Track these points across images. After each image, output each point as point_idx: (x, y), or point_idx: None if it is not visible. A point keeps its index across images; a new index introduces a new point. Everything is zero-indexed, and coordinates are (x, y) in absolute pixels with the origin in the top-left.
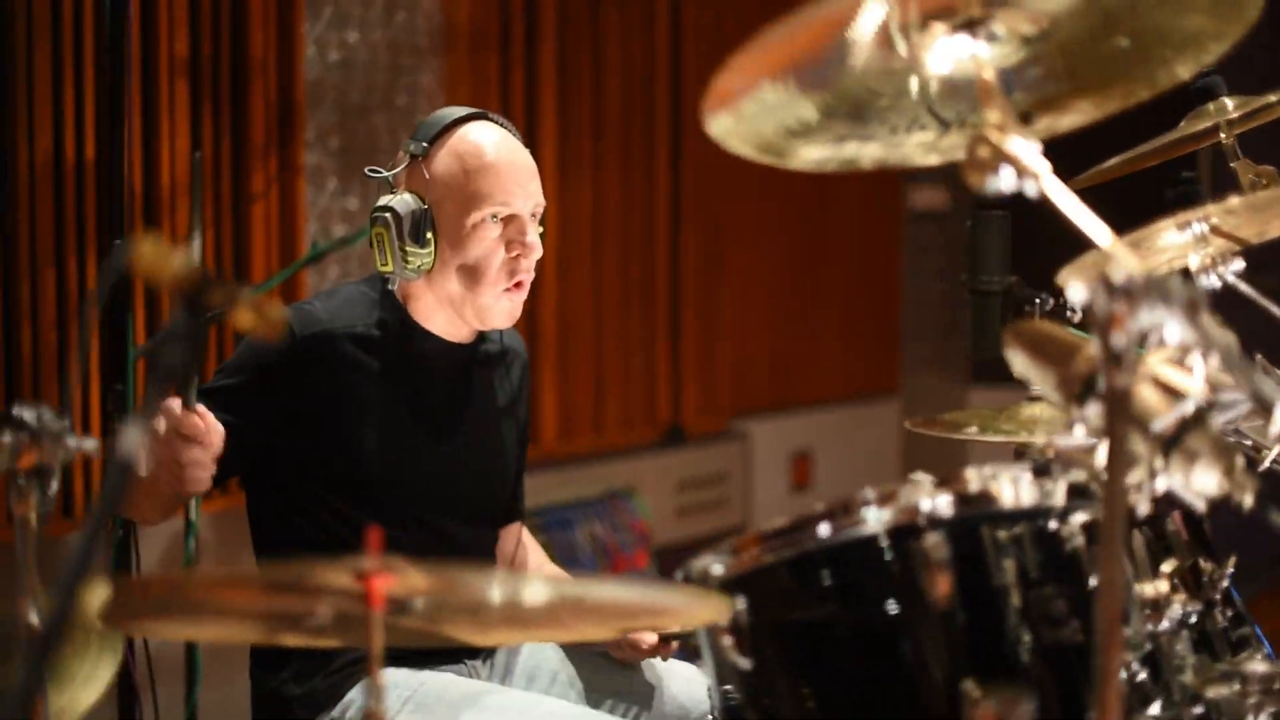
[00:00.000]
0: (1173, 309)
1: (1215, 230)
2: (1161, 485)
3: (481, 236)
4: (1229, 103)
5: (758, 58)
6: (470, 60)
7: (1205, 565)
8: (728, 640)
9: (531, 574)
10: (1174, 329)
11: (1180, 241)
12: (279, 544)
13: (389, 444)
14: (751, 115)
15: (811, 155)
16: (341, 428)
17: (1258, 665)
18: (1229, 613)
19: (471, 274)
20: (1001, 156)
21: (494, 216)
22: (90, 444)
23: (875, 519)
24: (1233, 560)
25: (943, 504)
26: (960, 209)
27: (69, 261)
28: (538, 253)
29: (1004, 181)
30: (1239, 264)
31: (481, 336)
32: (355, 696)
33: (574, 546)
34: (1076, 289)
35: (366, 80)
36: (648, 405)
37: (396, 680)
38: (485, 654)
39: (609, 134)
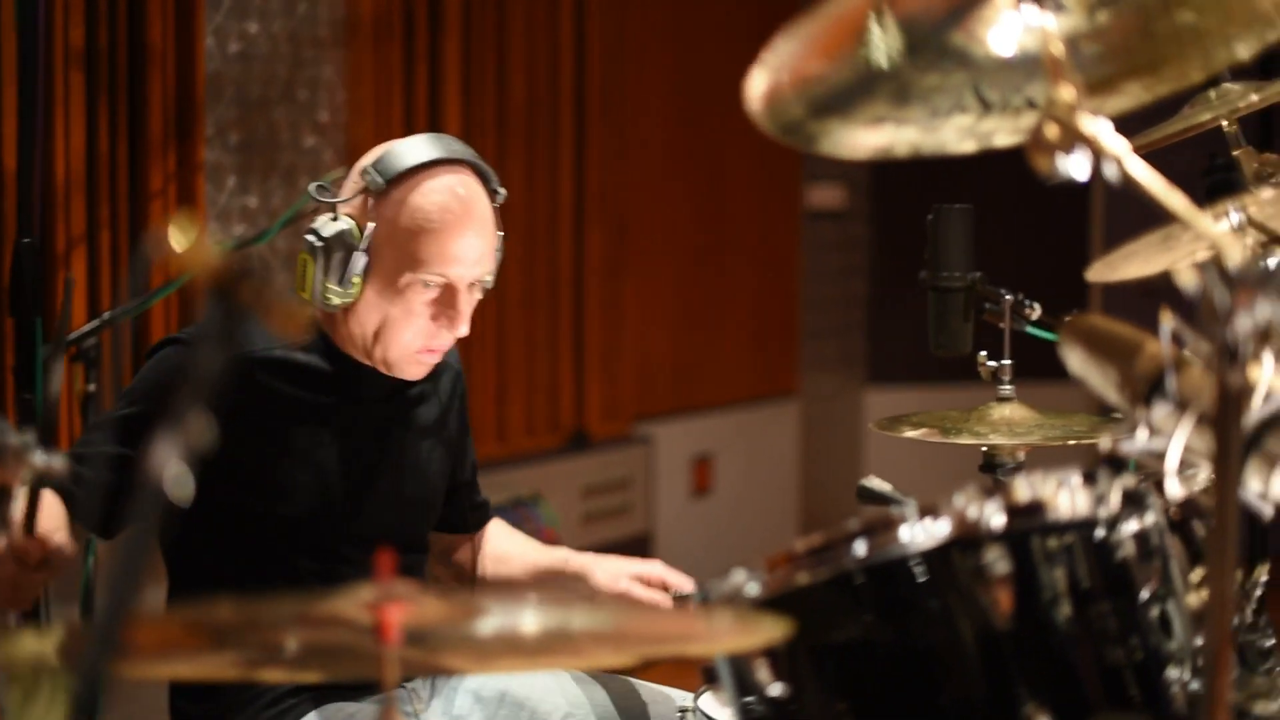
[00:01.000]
0: None
1: (1249, 220)
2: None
3: (411, 297)
4: (1233, 88)
5: (806, 35)
6: (373, 53)
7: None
8: (761, 663)
9: (531, 567)
10: None
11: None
12: (198, 584)
13: (315, 474)
14: (788, 96)
15: (846, 140)
16: (264, 459)
17: None
18: (1259, 622)
19: (389, 327)
20: (1075, 137)
21: (429, 283)
22: (58, 461)
23: (922, 533)
24: (1266, 568)
25: (994, 515)
26: (857, 208)
27: None
28: (463, 330)
29: (1075, 165)
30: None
31: None
32: None
33: None
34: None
35: (267, 73)
36: (551, 410)
37: None
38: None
39: (513, 132)
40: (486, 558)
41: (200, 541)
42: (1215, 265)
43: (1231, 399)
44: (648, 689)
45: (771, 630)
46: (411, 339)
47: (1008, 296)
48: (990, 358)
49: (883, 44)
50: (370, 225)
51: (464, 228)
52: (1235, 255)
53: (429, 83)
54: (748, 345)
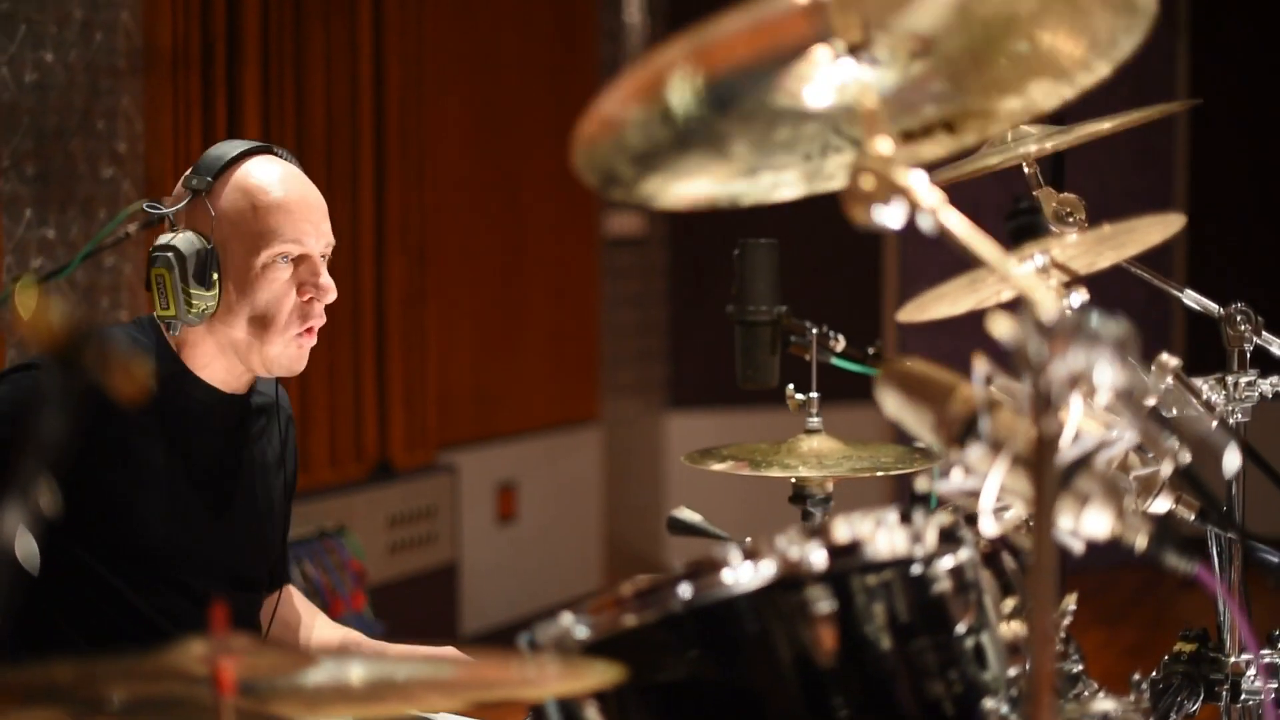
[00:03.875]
0: (1103, 349)
1: (1054, 263)
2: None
3: (271, 278)
4: (1029, 131)
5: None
6: (171, 82)
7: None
8: (591, 707)
9: (324, 645)
10: (1104, 370)
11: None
12: (32, 619)
13: (162, 503)
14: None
15: (711, 193)
16: (111, 487)
17: (1105, 704)
18: (1067, 649)
19: (261, 320)
20: (890, 188)
21: (284, 257)
22: None
23: (746, 574)
24: (1074, 597)
25: (815, 555)
26: (655, 235)
27: None
28: (332, 295)
29: (891, 215)
30: (1082, 295)
31: (253, 388)
32: None
33: None
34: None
35: (63, 103)
36: (355, 440)
37: None
38: None
39: (313, 160)
40: (277, 621)
41: (43, 582)
42: (1029, 316)
43: (1047, 442)
44: None
45: (599, 675)
46: (288, 321)
47: (813, 329)
48: (797, 389)
49: (682, 98)
50: (210, 224)
51: (302, 194)
52: (1048, 306)
53: (228, 112)
54: (549, 372)
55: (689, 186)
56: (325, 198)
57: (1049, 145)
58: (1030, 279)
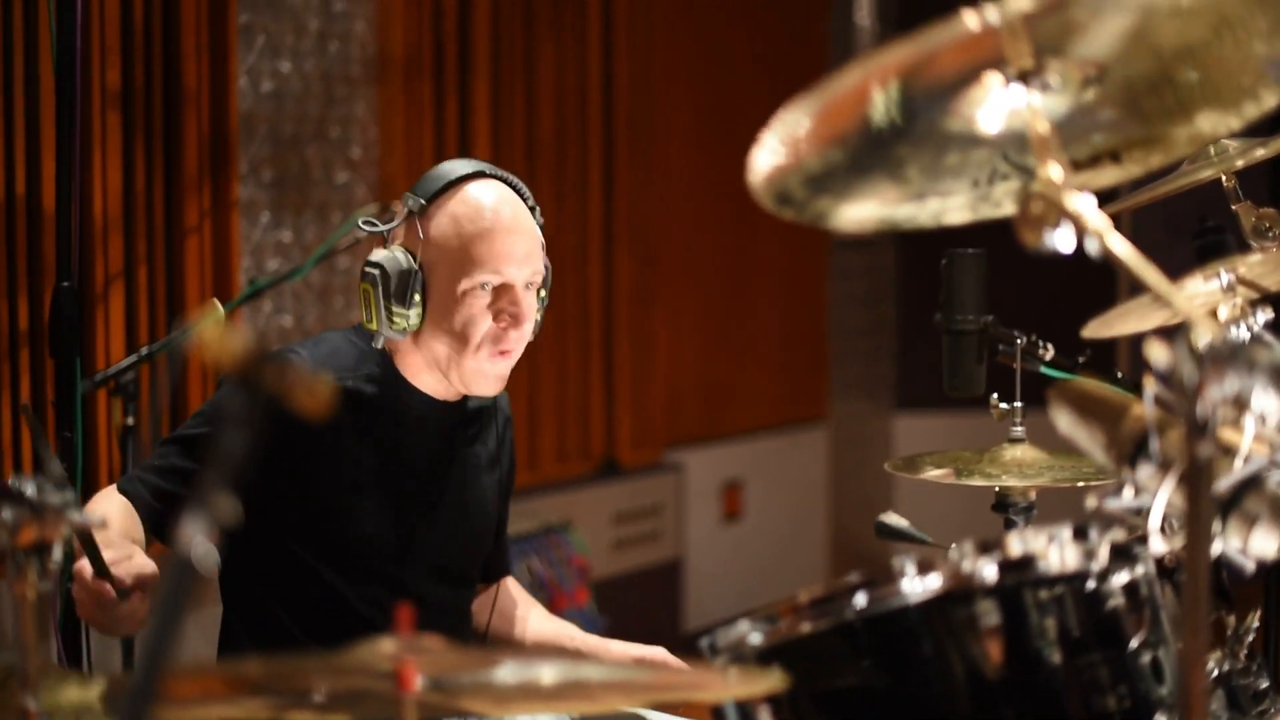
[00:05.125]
0: (1259, 375)
1: (1240, 279)
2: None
3: (470, 303)
4: (1231, 145)
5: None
6: (404, 90)
7: (1228, 619)
8: (764, 711)
9: (540, 638)
10: (1261, 396)
11: (1206, 291)
12: (252, 607)
13: (373, 503)
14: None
15: (880, 215)
16: (325, 486)
17: None
18: (1252, 666)
19: (457, 339)
20: (1059, 213)
21: (485, 285)
22: (96, 518)
23: (918, 587)
24: (1258, 614)
25: (986, 569)
26: (884, 237)
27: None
28: (528, 324)
29: (1062, 239)
30: (1268, 314)
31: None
32: None
33: None
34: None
35: (299, 111)
36: (582, 438)
37: None
38: None
39: (542, 164)
40: (496, 613)
41: (262, 572)
42: (1185, 342)
43: (1202, 469)
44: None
45: (771, 682)
46: (481, 343)
47: (1020, 339)
48: (1004, 399)
49: (884, 108)
50: (419, 245)
51: (507, 225)
52: (1205, 331)
53: (459, 118)
54: (776, 372)
55: (858, 209)
56: (554, 201)
57: (1261, 153)
58: (1191, 304)
